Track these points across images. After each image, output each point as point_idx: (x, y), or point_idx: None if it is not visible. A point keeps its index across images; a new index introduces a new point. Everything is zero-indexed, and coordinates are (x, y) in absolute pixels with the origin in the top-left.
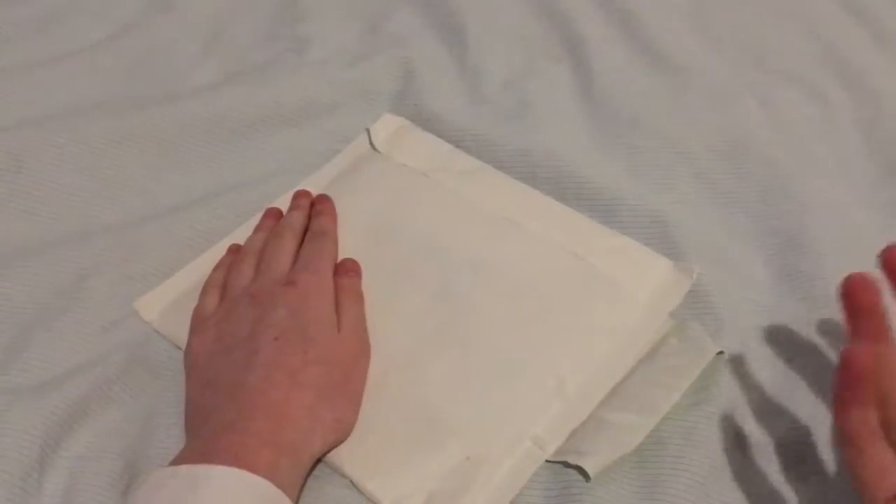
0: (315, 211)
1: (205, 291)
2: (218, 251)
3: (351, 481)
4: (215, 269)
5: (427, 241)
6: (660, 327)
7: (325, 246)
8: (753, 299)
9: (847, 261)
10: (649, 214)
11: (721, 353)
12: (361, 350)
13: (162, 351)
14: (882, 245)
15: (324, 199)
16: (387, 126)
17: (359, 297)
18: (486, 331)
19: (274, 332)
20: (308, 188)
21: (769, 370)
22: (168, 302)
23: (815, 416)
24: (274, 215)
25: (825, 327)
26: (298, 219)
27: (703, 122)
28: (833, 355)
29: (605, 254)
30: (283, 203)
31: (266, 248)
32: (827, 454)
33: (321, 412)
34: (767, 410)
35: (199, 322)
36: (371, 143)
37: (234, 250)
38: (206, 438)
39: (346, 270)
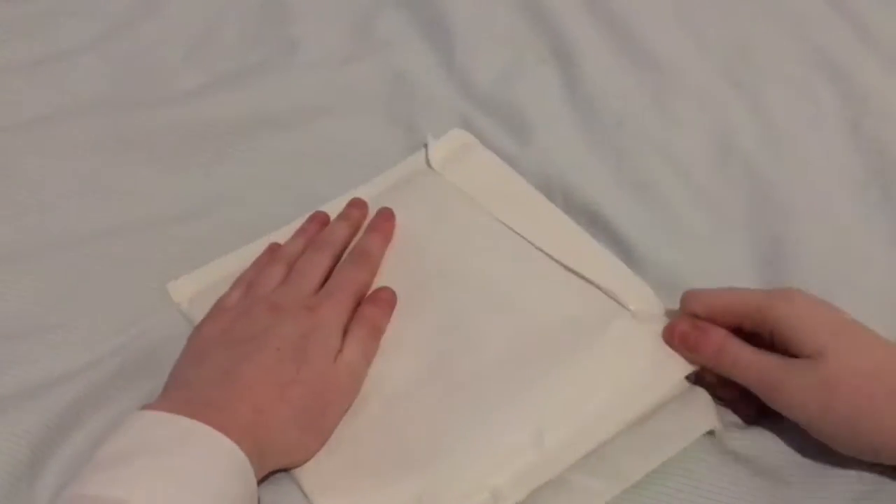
0: (369, 226)
1: (234, 285)
2: (259, 246)
3: (304, 494)
4: (252, 265)
5: (450, 269)
6: (668, 391)
7: (360, 272)
8: None
9: (833, 265)
10: (634, 220)
11: (712, 432)
12: (348, 388)
13: (155, 357)
14: (870, 246)
15: (386, 216)
16: (450, 142)
17: (373, 331)
18: (480, 371)
19: (278, 342)
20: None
21: None
22: (199, 288)
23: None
24: (319, 221)
25: None
26: (342, 232)
27: (690, 123)
28: None
29: (633, 314)
30: (336, 206)
31: (301, 259)
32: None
33: (289, 432)
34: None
35: (217, 310)
36: (427, 159)
37: (273, 249)
38: (190, 400)
39: (378, 300)
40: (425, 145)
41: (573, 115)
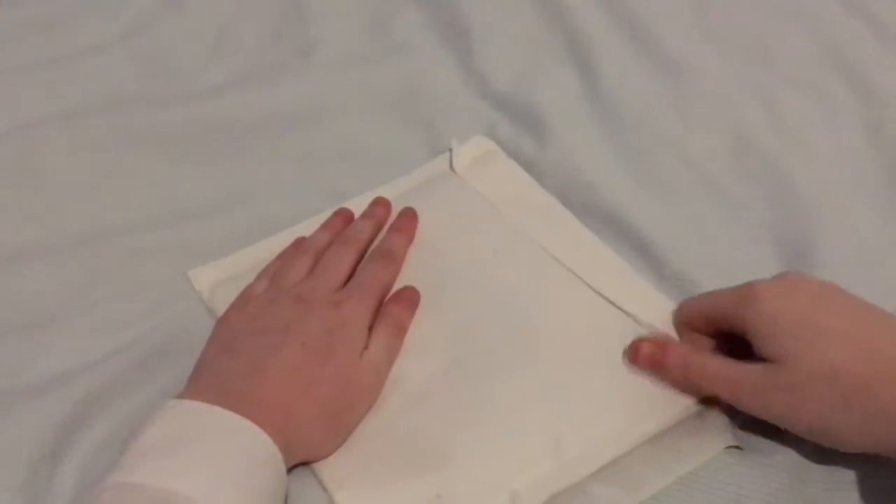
0: (393, 226)
1: (260, 276)
2: (281, 239)
3: (323, 487)
4: (277, 257)
5: (470, 273)
6: (686, 408)
7: (384, 270)
8: None
9: (852, 268)
10: (653, 221)
11: (736, 447)
12: (372, 386)
13: (171, 349)
14: (891, 247)
15: (409, 216)
16: (473, 148)
17: (398, 330)
18: (500, 374)
19: (304, 337)
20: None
21: None
22: (221, 278)
23: None
24: (344, 217)
25: None
26: (367, 230)
27: (709, 124)
28: None
29: (651, 328)
30: (360, 204)
31: (327, 253)
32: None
33: (314, 430)
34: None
35: (242, 300)
36: (451, 163)
37: (299, 243)
38: (220, 390)
39: (402, 299)
40: (450, 149)
41: (591, 115)
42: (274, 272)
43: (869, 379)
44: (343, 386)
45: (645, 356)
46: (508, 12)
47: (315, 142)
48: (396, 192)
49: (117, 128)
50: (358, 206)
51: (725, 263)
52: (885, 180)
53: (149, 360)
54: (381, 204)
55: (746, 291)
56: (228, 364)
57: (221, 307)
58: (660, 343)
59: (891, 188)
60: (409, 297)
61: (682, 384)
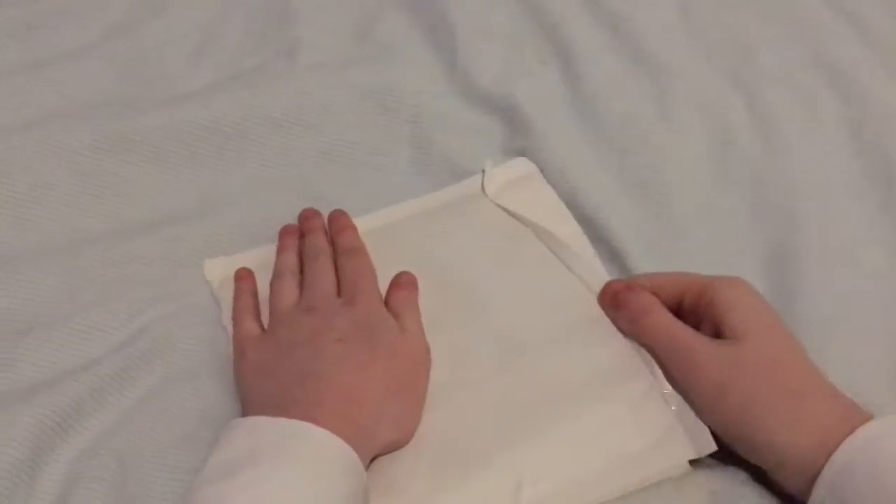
0: (337, 228)
1: (239, 317)
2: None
3: None
4: (242, 295)
5: (482, 299)
6: (665, 472)
7: (362, 263)
8: None
9: (834, 269)
10: (634, 223)
11: None
12: (425, 352)
13: (156, 357)
14: (871, 250)
15: (340, 215)
16: (509, 171)
17: (415, 308)
18: (477, 411)
19: (337, 335)
20: (407, 211)
21: None
22: (233, 272)
23: None
24: (292, 233)
25: (812, 345)
26: (322, 240)
27: (691, 125)
28: None
29: (645, 389)
30: (366, 221)
31: (307, 270)
32: None
33: (387, 405)
34: None
35: (245, 342)
36: (482, 185)
37: (244, 276)
38: (278, 405)
39: (404, 284)
40: (483, 170)
41: (574, 116)
42: (256, 308)
43: (810, 384)
44: (399, 359)
45: (613, 292)
46: (492, 13)
47: (300, 143)
48: (423, 209)
49: (97, 132)
50: (365, 224)
51: (707, 267)
52: (866, 181)
53: (132, 367)
54: (313, 216)
55: (728, 276)
56: (275, 384)
57: (228, 300)
58: (632, 285)
59: (872, 189)
60: (409, 280)
61: (629, 329)
